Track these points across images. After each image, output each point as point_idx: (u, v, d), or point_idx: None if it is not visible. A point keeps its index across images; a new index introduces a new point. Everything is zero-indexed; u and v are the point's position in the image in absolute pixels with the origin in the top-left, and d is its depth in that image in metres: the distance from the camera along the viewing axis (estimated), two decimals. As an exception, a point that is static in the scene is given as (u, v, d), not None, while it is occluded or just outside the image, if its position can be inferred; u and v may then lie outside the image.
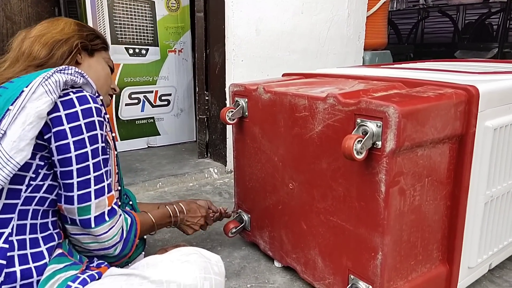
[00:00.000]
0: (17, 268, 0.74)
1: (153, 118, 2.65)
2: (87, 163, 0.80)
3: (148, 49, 2.53)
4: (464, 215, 1.01)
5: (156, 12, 2.53)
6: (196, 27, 2.24)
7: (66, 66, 0.83)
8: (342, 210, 0.98)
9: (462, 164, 0.98)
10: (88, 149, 0.80)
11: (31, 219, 0.78)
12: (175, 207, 1.14)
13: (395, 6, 5.19)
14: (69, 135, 0.78)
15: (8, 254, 0.73)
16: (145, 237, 1.11)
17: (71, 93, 0.80)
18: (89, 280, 0.78)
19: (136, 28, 2.46)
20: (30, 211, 0.78)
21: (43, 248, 0.79)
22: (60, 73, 0.79)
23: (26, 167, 0.75)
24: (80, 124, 0.79)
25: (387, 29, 3.19)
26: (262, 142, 1.23)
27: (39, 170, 0.78)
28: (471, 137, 0.96)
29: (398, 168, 0.86)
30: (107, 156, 0.88)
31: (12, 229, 0.75)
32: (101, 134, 0.84)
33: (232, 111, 1.27)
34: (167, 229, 1.47)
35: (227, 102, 2.13)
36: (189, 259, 0.79)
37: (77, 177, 0.80)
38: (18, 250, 0.75)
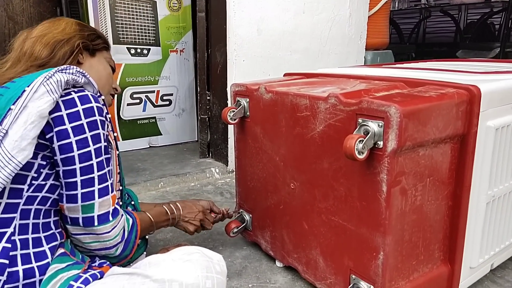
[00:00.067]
0: (20, 268, 0.74)
1: (154, 118, 2.65)
2: (90, 162, 0.81)
3: (149, 49, 2.54)
4: (466, 215, 1.01)
5: (158, 12, 2.53)
6: (197, 27, 2.24)
7: (68, 65, 0.83)
8: (343, 210, 0.98)
9: (464, 164, 0.98)
10: (91, 148, 0.81)
11: (33, 218, 0.78)
12: (171, 205, 1.15)
13: (396, 5, 5.19)
14: (71, 134, 0.78)
15: (11, 253, 0.74)
16: (147, 237, 1.11)
17: (72, 93, 0.80)
18: (91, 280, 0.78)
19: (137, 28, 2.47)
20: (32, 210, 0.78)
21: (45, 247, 0.79)
22: (62, 72, 0.79)
23: (28, 166, 0.75)
24: (82, 124, 0.79)
25: (389, 29, 3.18)
26: (263, 142, 1.23)
27: (41, 170, 0.78)
28: (473, 137, 0.96)
29: (399, 168, 0.86)
30: (109, 155, 0.88)
31: (14, 228, 0.75)
32: (103, 134, 0.84)
33: (234, 111, 1.27)
34: (168, 228, 1.48)
35: (229, 102, 2.13)
36: (191, 258, 0.79)
37: (81, 176, 0.80)
38: (21, 249, 0.75)
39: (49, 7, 2.52)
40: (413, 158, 0.89)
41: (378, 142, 0.85)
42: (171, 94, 2.69)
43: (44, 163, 0.79)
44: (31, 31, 0.93)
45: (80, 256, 0.88)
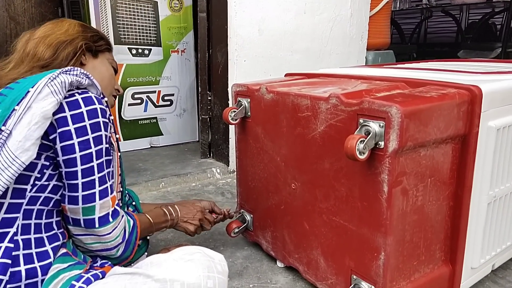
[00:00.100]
0: (22, 268, 0.74)
1: (156, 118, 2.65)
2: (91, 164, 0.81)
3: (151, 49, 2.54)
4: (467, 215, 1.01)
5: (159, 12, 2.54)
6: (198, 27, 2.24)
7: (72, 67, 0.83)
8: (344, 210, 0.98)
9: (465, 164, 0.98)
10: (93, 150, 0.81)
11: (35, 218, 0.79)
12: (169, 207, 1.14)
13: (398, 5, 5.18)
14: (74, 136, 0.78)
15: (13, 253, 0.74)
16: (148, 237, 1.11)
17: (76, 94, 0.80)
18: (93, 279, 0.78)
19: (139, 29, 2.47)
20: (35, 210, 0.78)
21: (48, 247, 0.79)
22: (66, 74, 0.79)
23: (31, 167, 0.76)
24: (85, 125, 0.79)
25: (390, 29, 3.18)
26: (264, 142, 1.23)
27: (44, 170, 0.79)
28: (474, 137, 0.96)
29: (400, 168, 0.86)
30: (111, 157, 0.88)
31: (17, 228, 0.75)
32: (106, 135, 0.84)
33: (235, 111, 1.27)
34: (169, 229, 1.48)
35: (230, 102, 2.13)
36: (192, 258, 0.80)
37: (82, 178, 0.80)
38: (23, 249, 0.76)
39: (50, 8, 2.52)
40: (414, 159, 0.89)
41: (379, 142, 0.85)
42: (172, 94, 2.70)
43: (48, 163, 0.79)
44: (34, 32, 0.93)
45: (82, 256, 0.88)
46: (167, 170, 2.17)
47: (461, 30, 4.79)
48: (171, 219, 1.13)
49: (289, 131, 1.12)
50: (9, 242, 0.74)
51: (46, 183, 0.79)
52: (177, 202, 1.29)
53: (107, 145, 0.85)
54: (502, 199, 1.10)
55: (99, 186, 0.82)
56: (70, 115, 0.78)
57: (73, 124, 0.78)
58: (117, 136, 0.98)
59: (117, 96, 1.12)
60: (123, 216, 0.90)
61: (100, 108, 0.82)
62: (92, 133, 0.80)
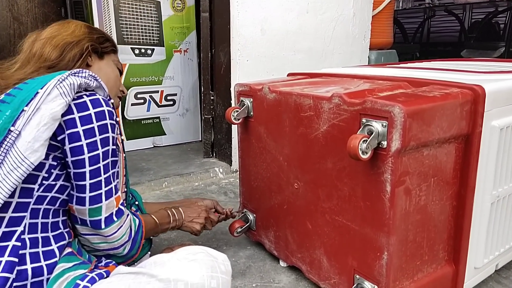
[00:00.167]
0: (29, 266, 0.75)
1: (158, 118, 2.66)
2: (98, 165, 0.82)
3: (153, 49, 2.55)
4: (471, 215, 1.01)
5: (162, 12, 2.54)
6: (201, 27, 2.25)
7: (80, 69, 0.84)
8: (347, 210, 0.98)
9: (468, 164, 0.97)
10: (100, 151, 0.82)
11: (42, 218, 0.79)
12: (173, 209, 1.14)
13: (401, 5, 5.17)
14: (82, 137, 0.79)
15: (20, 252, 0.74)
16: (151, 237, 1.11)
17: (84, 96, 0.81)
18: (97, 279, 0.79)
19: (141, 28, 2.48)
20: (42, 210, 0.79)
21: (54, 246, 0.80)
22: (75, 76, 0.80)
23: (39, 166, 0.76)
24: (93, 127, 0.80)
25: (393, 28, 3.18)
26: (267, 141, 1.23)
27: (52, 170, 0.79)
28: (477, 137, 0.96)
29: (403, 168, 0.86)
30: (117, 158, 0.89)
31: (24, 227, 0.76)
32: (113, 137, 0.85)
33: (237, 111, 1.27)
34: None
35: (232, 102, 2.12)
36: (196, 258, 0.80)
37: (90, 179, 0.81)
38: (30, 248, 0.76)
39: (53, 8, 2.53)
40: (417, 158, 0.89)
41: (382, 142, 0.85)
42: (175, 94, 2.70)
43: (55, 163, 0.80)
44: (40, 32, 0.93)
45: (87, 256, 0.89)
46: (170, 170, 2.18)
47: (464, 30, 4.77)
48: (175, 220, 1.13)
49: (292, 130, 1.12)
50: (16, 240, 0.75)
51: (53, 182, 0.80)
52: (180, 201, 1.30)
53: (114, 147, 0.86)
54: (506, 199, 1.10)
55: (105, 187, 0.83)
56: (79, 117, 0.79)
57: (81, 126, 0.79)
58: (122, 137, 0.98)
59: (122, 97, 1.13)
60: (128, 215, 0.91)
61: (108, 110, 0.83)
62: (99, 135, 0.81)
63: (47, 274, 0.77)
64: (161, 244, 1.42)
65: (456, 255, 1.04)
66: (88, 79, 0.82)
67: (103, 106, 0.82)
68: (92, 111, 0.80)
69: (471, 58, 2.80)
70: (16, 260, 0.73)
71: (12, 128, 0.71)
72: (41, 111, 0.73)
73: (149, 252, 1.09)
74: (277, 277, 1.24)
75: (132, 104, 2.54)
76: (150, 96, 2.60)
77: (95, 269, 0.83)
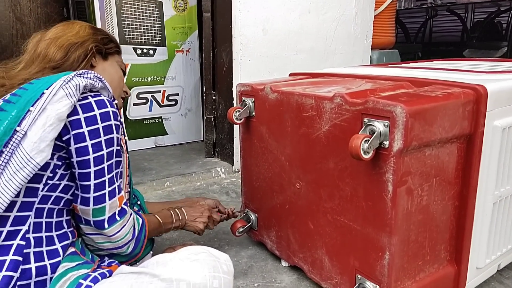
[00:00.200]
0: (33, 265, 0.75)
1: (160, 117, 2.66)
2: (102, 165, 0.82)
3: (155, 49, 2.55)
4: (473, 215, 1.01)
5: (164, 12, 2.54)
6: (203, 27, 2.25)
7: (86, 70, 0.85)
8: (349, 209, 0.98)
9: (470, 164, 0.97)
10: (104, 151, 0.82)
11: (46, 217, 0.80)
12: (176, 210, 1.14)
13: (403, 4, 5.17)
14: (87, 138, 0.79)
15: (25, 251, 0.75)
16: (153, 237, 1.12)
17: (89, 97, 0.81)
18: (100, 278, 0.79)
19: (144, 29, 2.48)
20: (46, 209, 0.80)
21: (58, 246, 0.80)
22: (80, 77, 0.81)
23: (44, 166, 0.77)
24: (98, 128, 0.81)
25: (395, 28, 3.17)
26: (269, 141, 1.23)
27: (57, 170, 0.80)
28: (479, 137, 0.96)
29: (405, 167, 0.86)
30: (120, 158, 0.89)
31: (29, 226, 0.77)
32: (117, 138, 0.85)
33: (239, 111, 1.27)
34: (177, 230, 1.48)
35: (234, 101, 2.13)
36: (198, 258, 0.80)
37: (94, 179, 0.82)
38: (34, 247, 0.77)
39: (56, 8, 2.54)
40: (419, 158, 0.89)
41: (384, 142, 0.85)
42: (177, 94, 2.70)
43: (60, 163, 0.80)
44: (45, 33, 0.94)
45: (90, 255, 0.89)
46: (172, 170, 2.18)
47: (466, 29, 4.76)
48: (178, 220, 1.13)
49: (294, 130, 1.12)
50: (21, 239, 0.75)
51: (58, 182, 0.80)
52: (182, 200, 1.30)
53: (118, 147, 0.87)
54: (508, 199, 1.10)
55: (109, 187, 0.84)
56: (84, 117, 0.79)
57: (86, 127, 0.79)
58: (126, 138, 0.99)
59: (125, 98, 1.13)
60: (131, 214, 0.91)
61: (112, 111, 0.84)
62: (104, 136, 0.82)
63: (51, 273, 0.77)
64: (163, 244, 1.42)
65: (458, 255, 1.03)
66: (93, 80, 0.83)
67: (107, 107, 0.83)
68: (97, 112, 0.81)
69: (473, 58, 2.80)
70: (21, 259, 0.74)
71: (18, 128, 0.72)
72: (47, 112, 0.74)
73: (151, 252, 1.10)
74: (279, 277, 1.24)
75: (134, 104, 2.54)
76: (152, 96, 2.60)
77: (98, 269, 0.83)
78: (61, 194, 0.81)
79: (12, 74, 0.87)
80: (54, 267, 0.78)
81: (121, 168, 0.91)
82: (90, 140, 0.80)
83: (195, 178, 2.12)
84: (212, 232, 1.49)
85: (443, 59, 1.85)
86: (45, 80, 0.78)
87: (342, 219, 1.01)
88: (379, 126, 0.85)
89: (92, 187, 0.82)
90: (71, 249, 0.83)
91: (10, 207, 0.74)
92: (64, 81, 0.77)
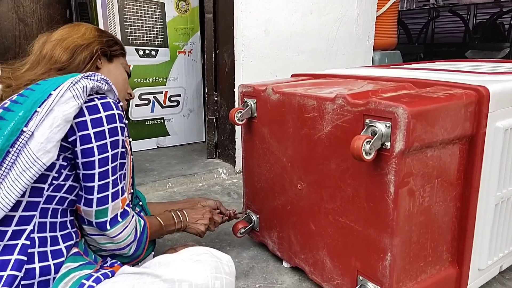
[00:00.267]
0: (37, 265, 0.76)
1: (162, 118, 2.67)
2: (107, 167, 0.83)
3: (158, 50, 2.56)
4: (474, 216, 1.01)
5: (166, 13, 2.55)
6: (205, 28, 2.25)
7: (93, 72, 0.85)
8: (350, 210, 0.98)
9: (472, 165, 0.97)
10: (109, 153, 0.83)
11: (51, 217, 0.80)
12: (177, 212, 1.15)
13: (405, 6, 5.16)
14: (93, 140, 0.80)
15: (29, 250, 0.75)
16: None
17: (96, 99, 0.82)
18: (102, 278, 0.79)
19: (146, 30, 2.49)
20: (50, 209, 0.80)
21: (61, 246, 0.81)
22: (87, 79, 0.81)
23: (50, 166, 0.77)
24: (104, 130, 0.81)
25: (397, 29, 3.17)
26: (270, 142, 1.23)
27: (62, 170, 0.80)
28: (481, 138, 0.96)
29: (407, 169, 0.86)
30: (124, 160, 0.90)
31: (33, 226, 0.77)
32: (122, 140, 0.86)
33: (241, 112, 1.27)
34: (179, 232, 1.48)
35: (236, 102, 2.13)
36: (200, 258, 0.80)
37: (98, 181, 0.82)
38: (39, 247, 0.77)
39: (58, 9, 2.55)
40: (421, 159, 0.89)
41: (386, 143, 0.85)
42: (179, 95, 2.71)
43: (65, 164, 0.81)
44: (51, 34, 0.95)
45: (93, 256, 0.90)
46: (174, 171, 2.19)
47: (468, 30, 4.76)
48: (180, 222, 1.13)
49: (295, 131, 1.12)
50: (25, 239, 0.75)
51: (63, 183, 0.81)
52: (183, 201, 1.30)
53: (123, 149, 0.87)
54: (510, 200, 1.10)
55: (112, 189, 0.84)
56: (90, 119, 0.80)
57: (92, 129, 0.80)
58: (130, 139, 0.99)
59: (130, 100, 1.14)
60: (133, 215, 0.92)
61: (118, 113, 0.84)
62: (110, 138, 0.82)
63: (54, 273, 0.78)
64: (164, 245, 1.42)
65: (460, 257, 1.03)
66: (100, 82, 0.84)
67: (113, 109, 0.83)
68: (103, 114, 0.81)
69: (475, 59, 2.79)
70: (25, 258, 0.74)
71: (25, 129, 0.72)
72: (54, 113, 0.74)
73: (153, 253, 1.10)
74: (280, 278, 1.24)
75: (136, 105, 2.55)
76: (154, 97, 2.61)
77: (101, 269, 0.83)
78: (65, 195, 0.82)
79: (18, 75, 0.88)
80: (58, 267, 0.78)
81: (125, 170, 0.91)
82: (96, 141, 0.80)
83: (197, 179, 2.13)
84: (214, 233, 1.49)
85: (445, 60, 1.85)
86: (52, 81, 0.79)
87: (343, 220, 1.01)
88: (381, 127, 0.85)
89: (96, 189, 0.82)
90: (74, 250, 0.84)
91: (15, 206, 0.75)
92: (72, 82, 0.78)
